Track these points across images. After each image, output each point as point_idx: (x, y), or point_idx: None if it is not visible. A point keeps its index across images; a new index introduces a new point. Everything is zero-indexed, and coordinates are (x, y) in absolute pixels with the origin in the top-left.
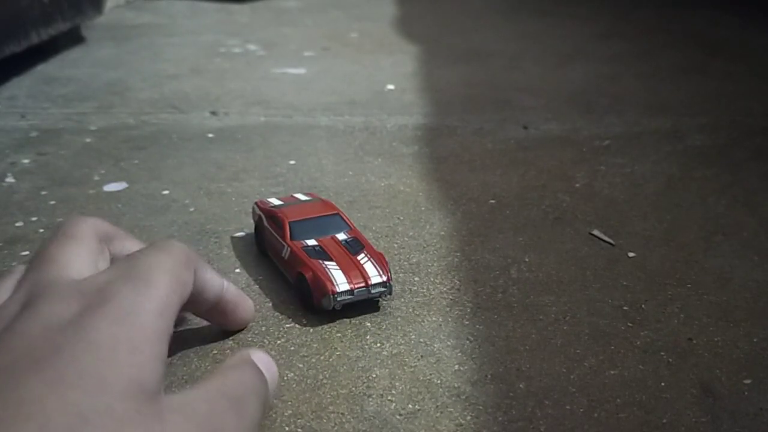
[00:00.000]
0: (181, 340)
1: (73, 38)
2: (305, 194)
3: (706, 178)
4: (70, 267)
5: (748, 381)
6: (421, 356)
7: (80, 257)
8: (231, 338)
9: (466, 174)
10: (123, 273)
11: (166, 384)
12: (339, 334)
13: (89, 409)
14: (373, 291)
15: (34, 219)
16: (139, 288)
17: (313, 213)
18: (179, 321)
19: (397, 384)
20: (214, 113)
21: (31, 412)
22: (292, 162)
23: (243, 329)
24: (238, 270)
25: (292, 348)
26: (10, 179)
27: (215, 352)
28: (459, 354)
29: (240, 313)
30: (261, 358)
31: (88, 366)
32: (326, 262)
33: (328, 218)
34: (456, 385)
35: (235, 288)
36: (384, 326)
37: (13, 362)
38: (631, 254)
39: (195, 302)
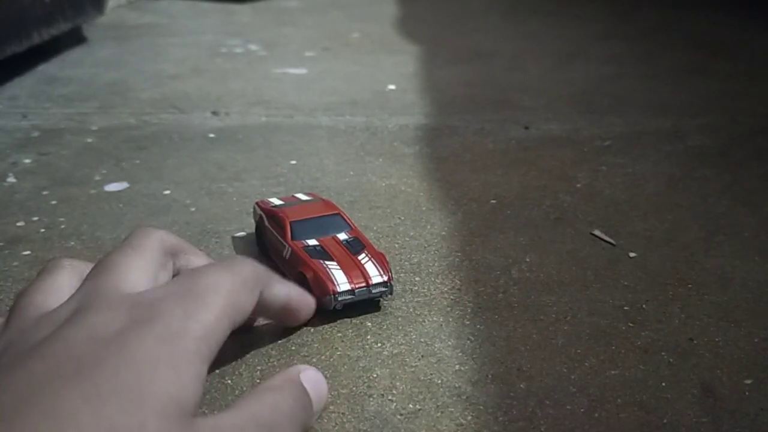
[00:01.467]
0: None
1: (75, 38)
2: (306, 194)
3: (707, 178)
4: (127, 278)
5: (748, 381)
6: (422, 356)
7: (140, 269)
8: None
9: (467, 174)
10: (178, 291)
11: None
12: (340, 334)
13: (122, 425)
14: (374, 291)
15: (35, 219)
16: (189, 309)
17: (314, 213)
18: (246, 326)
19: (397, 384)
20: (215, 113)
21: (65, 424)
22: (293, 162)
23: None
24: None
25: (293, 348)
26: (11, 179)
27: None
28: (460, 354)
29: (301, 315)
30: (309, 378)
31: (127, 381)
32: (327, 262)
33: (329, 218)
34: (457, 385)
35: (298, 291)
36: (385, 326)
37: (55, 370)
38: (631, 254)
39: (258, 312)
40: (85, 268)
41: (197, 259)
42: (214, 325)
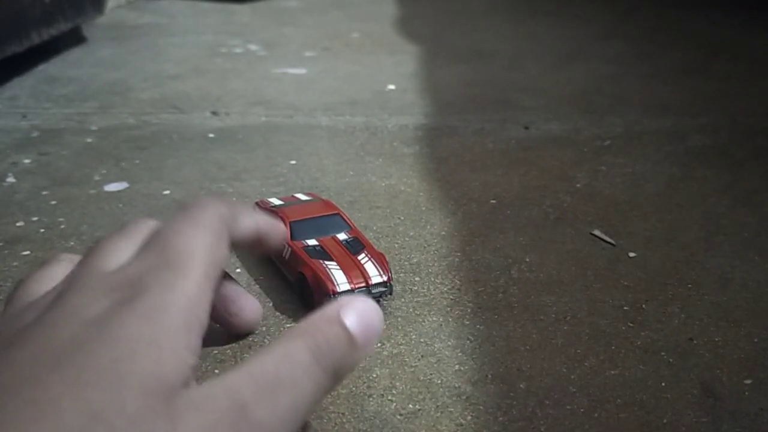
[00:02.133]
0: None
1: (75, 38)
2: (306, 194)
3: (707, 178)
4: (111, 256)
5: (748, 381)
6: (422, 356)
7: (120, 246)
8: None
9: (467, 174)
10: (152, 264)
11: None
12: None
13: (102, 408)
14: (373, 291)
15: (34, 219)
16: (168, 282)
17: (313, 213)
18: (245, 333)
19: (397, 384)
20: (215, 113)
21: (46, 412)
22: (293, 162)
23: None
24: (238, 270)
25: None
26: (11, 179)
27: (215, 352)
28: (459, 354)
29: (272, 241)
30: (353, 310)
31: (107, 363)
32: (327, 262)
33: (328, 218)
34: (456, 385)
35: (265, 219)
36: (384, 326)
37: (36, 357)
38: (631, 254)
39: (231, 248)
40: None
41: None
42: (197, 291)
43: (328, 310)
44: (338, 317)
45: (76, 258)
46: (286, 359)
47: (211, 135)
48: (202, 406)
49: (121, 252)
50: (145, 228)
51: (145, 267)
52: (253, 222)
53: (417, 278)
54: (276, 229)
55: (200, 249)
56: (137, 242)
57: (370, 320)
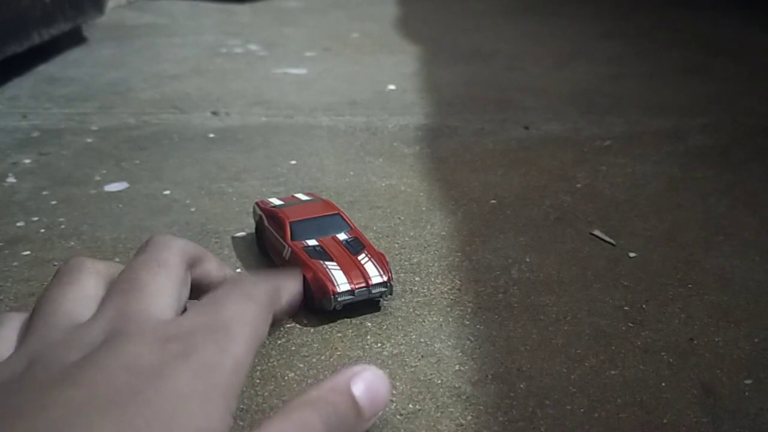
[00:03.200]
0: None
1: (75, 38)
2: (306, 194)
3: (707, 179)
4: (156, 301)
5: (748, 381)
6: (422, 356)
7: (167, 290)
8: None
9: (467, 174)
10: (206, 322)
11: None
12: (340, 334)
13: None
14: (373, 291)
15: (35, 219)
16: (220, 343)
17: (313, 213)
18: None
19: (397, 384)
20: (215, 113)
21: None
22: (293, 162)
23: None
24: (239, 270)
25: (293, 348)
26: (11, 179)
27: None
28: (459, 354)
29: (296, 309)
30: (362, 381)
31: (160, 414)
32: (327, 263)
33: (328, 218)
34: (456, 385)
35: (292, 289)
36: (385, 326)
37: (90, 400)
38: (632, 254)
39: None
40: (106, 269)
41: (213, 266)
42: (244, 357)
43: (339, 379)
44: (348, 388)
45: (101, 267)
46: (303, 429)
47: (212, 135)
48: None
49: (165, 294)
50: (178, 259)
51: (200, 324)
52: (288, 298)
53: (417, 278)
54: (298, 295)
55: (251, 319)
56: (177, 281)
57: (378, 392)
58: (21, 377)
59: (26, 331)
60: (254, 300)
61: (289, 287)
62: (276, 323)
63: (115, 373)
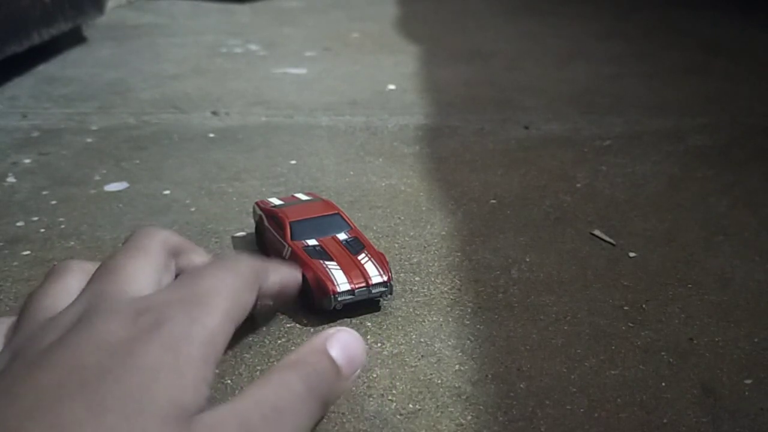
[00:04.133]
0: None
1: (75, 38)
2: (306, 194)
3: (707, 178)
4: (132, 281)
5: (748, 381)
6: (422, 356)
7: (145, 272)
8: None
9: (467, 174)
10: (181, 295)
11: None
12: None
13: None
14: (373, 291)
15: (35, 219)
16: (193, 314)
17: (313, 213)
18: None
19: (397, 384)
20: (215, 113)
21: None
22: (293, 162)
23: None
24: None
25: (293, 348)
26: (11, 179)
27: None
28: (460, 354)
29: (291, 293)
30: (338, 342)
31: (130, 389)
32: (327, 262)
33: (328, 218)
34: (456, 385)
35: (286, 272)
36: (385, 326)
37: (60, 381)
38: (632, 254)
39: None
40: (93, 267)
41: (198, 257)
42: (219, 329)
43: (315, 341)
44: (325, 349)
45: (87, 266)
46: (284, 389)
47: (212, 135)
48: (215, 430)
49: (143, 275)
50: (158, 246)
51: (173, 298)
52: (279, 278)
53: (417, 278)
54: (294, 280)
55: (230, 291)
56: (156, 265)
57: (353, 351)
58: (2, 372)
59: (12, 332)
60: (234, 272)
61: (282, 270)
62: (265, 301)
63: (85, 352)
